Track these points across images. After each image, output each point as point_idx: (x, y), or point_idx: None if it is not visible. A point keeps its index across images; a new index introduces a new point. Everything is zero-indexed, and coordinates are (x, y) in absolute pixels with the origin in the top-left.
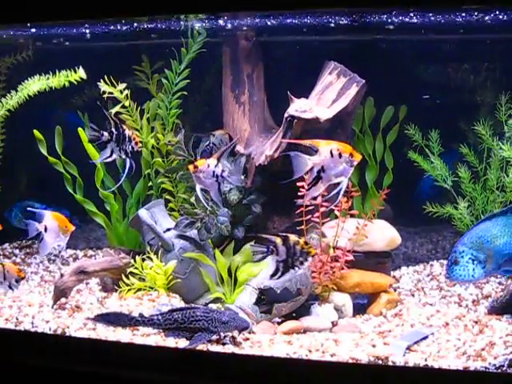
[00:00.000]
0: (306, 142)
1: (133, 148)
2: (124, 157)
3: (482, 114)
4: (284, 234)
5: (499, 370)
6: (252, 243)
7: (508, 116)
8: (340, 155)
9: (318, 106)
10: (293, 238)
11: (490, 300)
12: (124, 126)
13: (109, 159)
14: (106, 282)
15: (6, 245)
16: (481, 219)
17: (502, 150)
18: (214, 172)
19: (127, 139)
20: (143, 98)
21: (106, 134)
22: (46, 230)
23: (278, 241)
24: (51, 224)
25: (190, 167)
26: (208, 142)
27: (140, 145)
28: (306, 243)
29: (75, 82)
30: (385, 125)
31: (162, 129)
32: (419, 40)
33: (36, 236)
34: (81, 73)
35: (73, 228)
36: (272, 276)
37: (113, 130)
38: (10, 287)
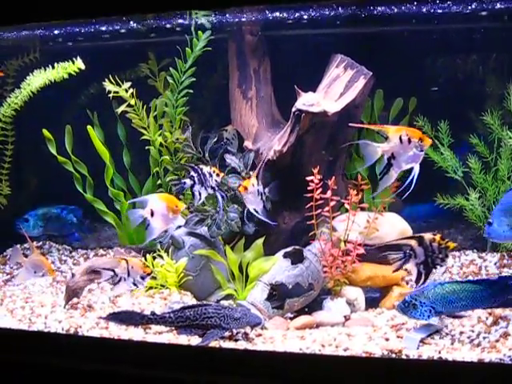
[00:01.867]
0: (376, 128)
1: (216, 181)
2: (212, 192)
3: (492, 103)
4: (418, 235)
5: None
6: (388, 251)
7: None
8: (409, 140)
9: (325, 99)
10: (427, 236)
11: None
12: (201, 166)
13: (202, 200)
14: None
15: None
16: None
17: (511, 139)
18: (258, 190)
19: (208, 176)
20: (151, 96)
21: (187, 181)
22: (152, 214)
23: (414, 243)
24: (158, 207)
25: (240, 189)
26: (216, 139)
27: (222, 174)
28: (442, 238)
29: (74, 74)
30: (394, 117)
31: (170, 126)
32: (425, 31)
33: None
34: (79, 63)
35: (183, 206)
36: (416, 282)
37: (192, 174)
38: (135, 284)
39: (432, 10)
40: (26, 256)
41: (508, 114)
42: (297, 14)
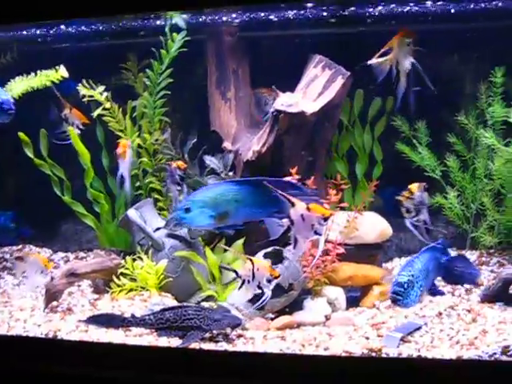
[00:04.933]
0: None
1: (180, 175)
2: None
3: (468, 103)
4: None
5: (492, 358)
6: None
7: (488, 104)
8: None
9: (303, 99)
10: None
11: (482, 288)
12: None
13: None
14: (97, 284)
15: None
16: None
17: (486, 137)
18: None
19: (174, 171)
20: (130, 97)
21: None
22: None
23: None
24: None
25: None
26: (195, 139)
27: (183, 166)
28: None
29: (57, 81)
30: (373, 116)
31: (149, 128)
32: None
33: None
34: (63, 72)
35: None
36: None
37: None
38: (260, 287)
39: (407, 10)
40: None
41: (484, 112)
42: (275, 15)
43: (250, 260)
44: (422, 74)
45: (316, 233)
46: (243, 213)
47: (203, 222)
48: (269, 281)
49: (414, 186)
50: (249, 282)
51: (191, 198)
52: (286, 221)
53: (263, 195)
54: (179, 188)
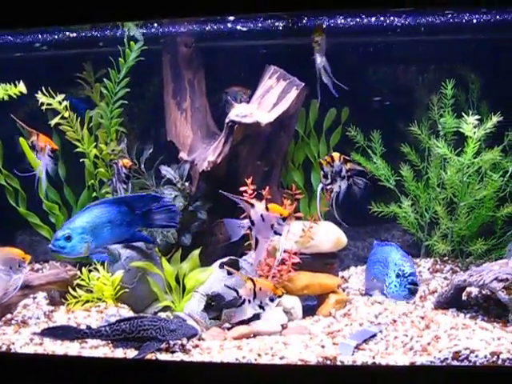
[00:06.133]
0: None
1: (125, 173)
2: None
3: (421, 113)
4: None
5: (444, 363)
6: None
7: (440, 115)
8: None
9: (258, 110)
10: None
11: (435, 295)
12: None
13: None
14: (53, 296)
15: None
16: None
17: (438, 147)
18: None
19: (121, 170)
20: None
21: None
22: None
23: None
24: None
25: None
26: (151, 150)
27: (129, 164)
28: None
29: (15, 96)
30: (328, 127)
31: (106, 138)
32: (358, 43)
33: None
34: (21, 87)
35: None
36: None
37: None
38: (261, 307)
39: (362, 23)
40: None
41: (436, 123)
42: (231, 26)
43: (252, 280)
44: (329, 75)
45: (276, 233)
46: (115, 233)
47: (83, 250)
48: (271, 300)
49: (337, 155)
50: (249, 301)
51: (70, 226)
52: (246, 221)
53: (129, 214)
54: (125, 186)
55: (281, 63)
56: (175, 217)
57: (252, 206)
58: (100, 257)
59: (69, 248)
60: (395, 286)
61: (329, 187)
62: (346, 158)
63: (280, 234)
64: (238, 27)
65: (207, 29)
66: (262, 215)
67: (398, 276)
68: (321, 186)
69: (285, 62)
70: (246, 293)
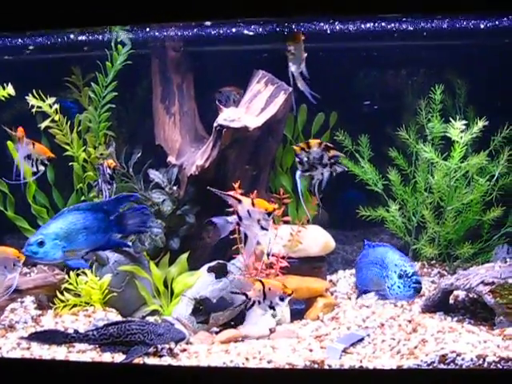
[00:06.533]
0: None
1: (110, 174)
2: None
3: (409, 118)
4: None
5: (430, 367)
6: None
7: (428, 120)
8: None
9: (247, 114)
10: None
11: (423, 299)
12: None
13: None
14: (41, 300)
15: None
16: None
17: (425, 152)
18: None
19: (106, 170)
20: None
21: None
22: None
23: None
24: None
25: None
26: (140, 154)
27: (113, 165)
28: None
29: (3, 99)
30: (316, 131)
31: (94, 142)
32: (346, 48)
33: None
34: (10, 90)
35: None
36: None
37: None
38: (272, 307)
39: (350, 29)
40: None
41: (424, 127)
42: (221, 31)
43: (260, 281)
44: (307, 83)
45: (262, 228)
46: (91, 240)
47: (57, 255)
48: (282, 299)
49: (314, 142)
50: (259, 302)
51: (43, 231)
52: (234, 217)
53: (105, 220)
54: (110, 187)
55: (271, 68)
56: (147, 220)
57: (239, 201)
58: (77, 263)
59: (41, 253)
60: (399, 287)
61: (307, 174)
62: (329, 144)
63: (267, 230)
64: (228, 32)
65: (197, 33)
66: (248, 211)
67: (400, 277)
68: (299, 173)
69: (275, 67)
70: (255, 294)
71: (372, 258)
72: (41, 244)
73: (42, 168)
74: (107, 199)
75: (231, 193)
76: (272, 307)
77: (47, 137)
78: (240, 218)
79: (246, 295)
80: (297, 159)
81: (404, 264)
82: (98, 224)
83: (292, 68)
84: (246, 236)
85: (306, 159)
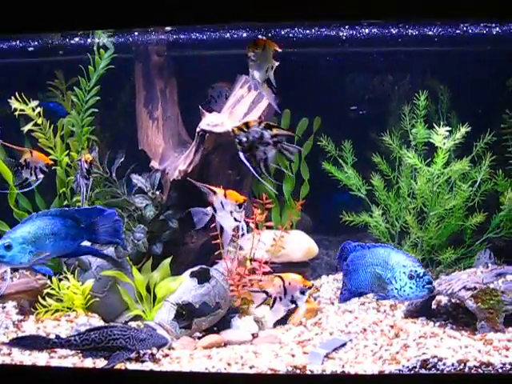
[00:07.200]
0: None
1: (87, 168)
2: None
3: (393, 123)
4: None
5: (412, 372)
6: None
7: (412, 125)
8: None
9: (230, 119)
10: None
11: (406, 304)
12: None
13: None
14: (22, 305)
15: None
16: None
17: (408, 157)
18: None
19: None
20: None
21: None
22: None
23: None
24: None
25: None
26: (123, 158)
27: (90, 159)
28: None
29: None
30: (300, 136)
31: (77, 146)
32: (330, 53)
33: None
34: None
35: None
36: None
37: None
38: (294, 302)
39: (333, 34)
40: None
41: (407, 133)
42: (204, 36)
43: (280, 277)
44: (273, 90)
45: (235, 220)
46: (59, 246)
47: (24, 259)
48: (302, 292)
49: (253, 121)
50: (281, 298)
51: (11, 235)
52: (209, 209)
53: (74, 227)
54: (87, 182)
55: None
56: (120, 230)
57: (214, 193)
58: (44, 269)
59: (8, 257)
60: (410, 288)
61: (248, 154)
62: (270, 123)
63: (239, 221)
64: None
65: (180, 37)
66: (221, 202)
67: (411, 278)
68: (240, 153)
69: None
70: (276, 290)
71: (370, 259)
72: (8, 248)
73: (41, 176)
74: (79, 208)
75: (206, 185)
76: (293, 301)
77: (30, 140)
78: (215, 210)
79: (267, 293)
80: (236, 140)
81: (413, 264)
82: (67, 230)
83: (255, 75)
84: (222, 228)
85: (244, 139)
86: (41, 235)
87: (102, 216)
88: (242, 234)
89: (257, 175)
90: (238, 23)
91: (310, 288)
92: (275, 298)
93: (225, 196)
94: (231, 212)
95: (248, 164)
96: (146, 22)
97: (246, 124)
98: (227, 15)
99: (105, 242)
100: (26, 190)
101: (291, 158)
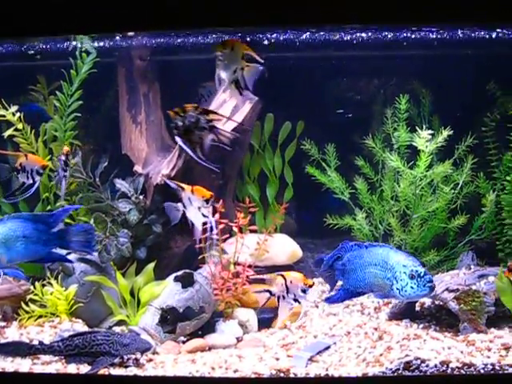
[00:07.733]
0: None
1: (64, 161)
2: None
3: (376, 127)
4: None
5: (395, 374)
6: None
7: (394, 129)
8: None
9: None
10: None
11: (390, 306)
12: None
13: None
14: (5, 311)
15: None
16: None
17: (391, 160)
18: None
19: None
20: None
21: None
22: None
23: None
24: None
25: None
26: (106, 163)
27: (67, 150)
28: None
29: None
30: (283, 140)
31: (60, 151)
32: (314, 57)
33: None
34: None
35: None
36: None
37: None
38: (296, 300)
39: (318, 38)
40: None
41: (390, 136)
42: (187, 40)
43: (282, 275)
44: (240, 92)
45: (203, 215)
46: (30, 250)
47: None
48: (303, 291)
49: (189, 106)
50: (284, 297)
51: None
52: (180, 204)
53: (46, 232)
54: (65, 174)
55: None
56: (92, 240)
57: (182, 189)
58: (14, 272)
59: None
60: (412, 287)
61: (184, 138)
62: (208, 109)
63: (207, 217)
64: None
65: (163, 42)
66: (189, 198)
67: (412, 277)
68: (176, 138)
69: None
70: (279, 289)
71: (369, 259)
72: None
73: (37, 178)
74: (49, 213)
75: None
76: (296, 300)
77: (12, 145)
78: (184, 205)
79: (270, 292)
80: (172, 124)
81: (413, 264)
82: (38, 235)
83: (222, 75)
84: (193, 224)
85: (180, 123)
86: (11, 237)
87: (75, 226)
88: (211, 229)
89: (196, 158)
90: (223, 28)
91: (310, 286)
92: (278, 297)
93: (192, 192)
94: (199, 208)
95: (186, 148)
96: (130, 26)
97: (183, 109)
98: (212, 21)
99: (77, 249)
100: (25, 195)
101: (226, 143)
